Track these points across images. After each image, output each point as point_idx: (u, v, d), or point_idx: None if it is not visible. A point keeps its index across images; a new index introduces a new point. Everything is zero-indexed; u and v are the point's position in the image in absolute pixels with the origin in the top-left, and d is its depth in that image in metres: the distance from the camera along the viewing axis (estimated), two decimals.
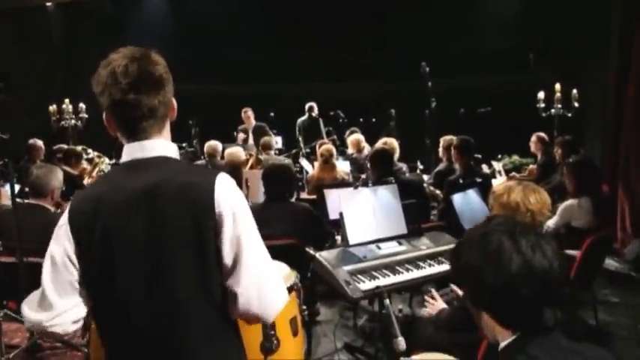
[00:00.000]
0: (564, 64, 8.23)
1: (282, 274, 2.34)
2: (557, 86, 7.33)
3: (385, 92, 10.14)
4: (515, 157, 8.44)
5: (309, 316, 4.14)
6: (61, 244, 1.46)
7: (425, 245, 3.39)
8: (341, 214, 3.27)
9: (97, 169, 6.33)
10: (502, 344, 1.33)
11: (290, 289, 2.27)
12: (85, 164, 6.31)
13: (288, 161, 6.50)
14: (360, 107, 9.45)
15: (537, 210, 2.41)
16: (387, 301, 2.13)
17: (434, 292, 2.80)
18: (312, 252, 3.17)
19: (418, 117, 7.71)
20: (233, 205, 1.43)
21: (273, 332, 2.05)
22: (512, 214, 2.40)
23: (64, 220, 1.47)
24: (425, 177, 6.04)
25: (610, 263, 5.39)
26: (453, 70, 9.43)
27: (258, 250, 1.48)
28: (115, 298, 1.43)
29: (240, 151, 5.28)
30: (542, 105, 7.44)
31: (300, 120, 8.74)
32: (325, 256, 3.11)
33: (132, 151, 1.48)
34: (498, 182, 5.40)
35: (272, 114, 9.05)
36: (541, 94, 7.44)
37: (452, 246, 3.35)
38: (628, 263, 5.42)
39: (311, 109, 8.72)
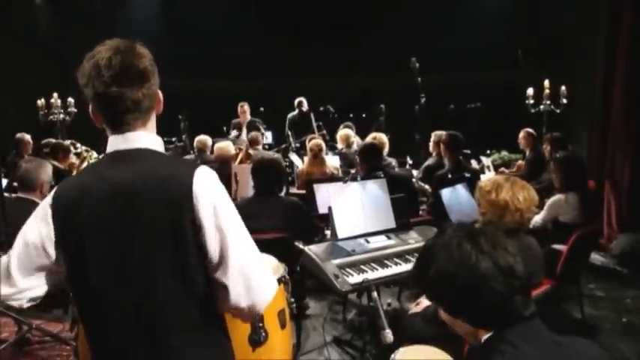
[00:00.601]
0: (553, 61, 8.29)
1: (271, 266, 2.35)
2: (546, 83, 7.37)
3: (375, 88, 10.16)
4: (505, 153, 8.52)
5: (299, 310, 4.18)
6: (37, 227, 1.47)
7: (413, 239, 3.41)
8: (330, 208, 3.28)
9: (85, 163, 6.28)
10: (483, 338, 1.35)
11: (278, 282, 2.26)
12: (73, 158, 6.27)
13: (277, 156, 6.50)
14: (350, 103, 9.47)
15: (526, 208, 2.43)
16: (375, 294, 2.15)
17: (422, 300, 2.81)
18: (301, 246, 3.18)
19: (408, 112, 7.73)
20: (213, 198, 1.42)
21: (261, 324, 2.05)
22: (501, 213, 2.42)
23: (45, 205, 1.48)
24: (414, 172, 6.07)
25: (596, 258, 5.45)
26: (443, 66, 9.47)
27: (244, 242, 1.47)
28: (92, 289, 1.43)
29: (229, 145, 5.27)
30: (531, 101, 7.48)
31: (290, 115, 8.73)
32: (314, 249, 3.12)
33: (115, 143, 1.49)
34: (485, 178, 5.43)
35: (262, 109, 9.02)
36: (530, 91, 7.48)
37: None
38: (614, 258, 5.48)
39: (300, 104, 8.69)
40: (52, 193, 1.51)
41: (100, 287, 1.42)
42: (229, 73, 10.70)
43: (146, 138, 1.50)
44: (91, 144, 7.03)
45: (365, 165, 4.53)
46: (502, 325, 1.32)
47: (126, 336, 1.44)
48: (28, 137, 6.89)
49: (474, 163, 6.22)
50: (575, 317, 4.16)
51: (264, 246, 3.56)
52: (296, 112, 8.70)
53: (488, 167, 6.12)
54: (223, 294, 1.44)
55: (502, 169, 6.99)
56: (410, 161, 6.66)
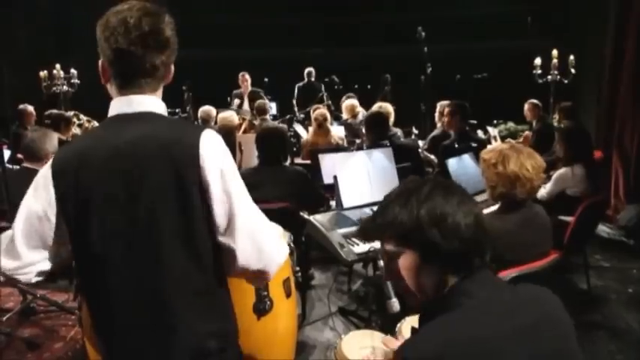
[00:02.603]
0: (561, 29, 8.13)
1: (277, 233, 2.32)
2: (555, 52, 7.24)
3: (381, 57, 10.03)
4: (511, 124, 8.41)
5: (304, 281, 4.19)
6: (40, 197, 1.43)
7: None
8: (335, 178, 3.25)
9: None
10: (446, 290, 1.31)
11: None
12: (77, 129, 6.24)
13: (283, 126, 6.45)
14: (355, 73, 9.37)
15: (535, 176, 2.38)
16: (381, 263, 2.11)
17: None
18: (306, 216, 3.16)
19: (414, 82, 7.64)
20: (220, 161, 1.39)
21: (266, 293, 2.04)
22: (511, 185, 2.37)
23: (46, 173, 1.44)
24: (420, 142, 6.01)
25: (603, 229, 5.43)
26: (449, 36, 9.32)
27: (251, 206, 1.45)
28: (95, 254, 1.40)
29: (233, 115, 5.22)
30: (539, 71, 7.36)
31: (298, 85, 8.72)
32: (319, 219, 3.10)
33: (119, 106, 1.45)
34: None
35: (266, 79, 8.95)
36: (537, 61, 7.35)
37: None
38: (620, 229, 5.45)
39: (310, 73, 8.76)
40: (52, 159, 1.47)
41: (103, 252, 1.39)
42: (233, 44, 10.57)
43: (151, 101, 1.46)
44: (94, 115, 7.00)
45: (371, 134, 4.48)
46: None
47: (128, 302, 1.41)
48: (30, 108, 6.85)
49: (480, 134, 6.15)
50: (581, 288, 4.15)
51: (268, 215, 3.56)
52: (305, 81, 8.71)
53: (495, 137, 6.05)
54: (232, 257, 1.41)
55: (509, 139, 6.92)
56: (415, 131, 6.59)
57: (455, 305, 1.22)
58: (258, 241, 1.42)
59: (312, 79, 8.63)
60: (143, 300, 1.41)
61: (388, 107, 5.54)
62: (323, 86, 8.21)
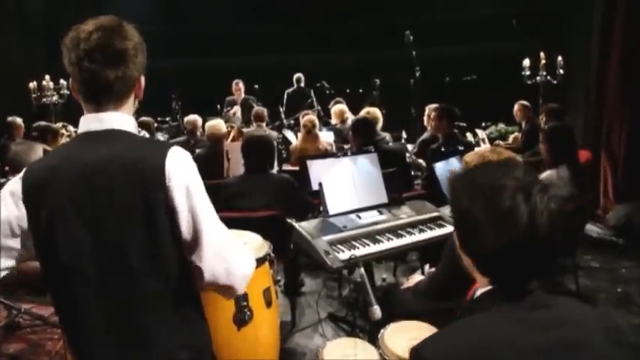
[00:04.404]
0: (548, 32, 8.17)
1: (255, 244, 2.32)
2: (542, 53, 7.27)
3: (370, 62, 10.06)
4: (502, 126, 8.44)
5: (293, 288, 4.17)
6: (9, 210, 1.42)
7: (405, 214, 3.38)
8: (320, 184, 3.24)
9: None
10: (478, 292, 1.25)
11: (263, 260, 2.25)
12: (65, 140, 6.21)
13: (274, 133, 6.45)
14: (346, 78, 9.37)
15: None
16: (362, 270, 2.12)
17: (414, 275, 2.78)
18: (293, 223, 3.15)
19: (404, 86, 7.66)
20: (185, 178, 1.40)
21: (245, 303, 2.03)
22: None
23: (16, 187, 1.43)
24: (410, 146, 6.02)
25: (592, 229, 5.44)
26: (438, 39, 9.36)
27: (217, 223, 1.46)
28: (63, 268, 1.41)
29: (220, 123, 5.20)
30: (528, 73, 7.38)
31: (287, 91, 8.73)
32: (304, 226, 3.09)
33: (87, 123, 1.46)
34: None
35: (256, 86, 8.95)
36: (526, 62, 7.37)
37: (433, 214, 3.40)
38: (610, 229, 5.46)
39: (299, 79, 8.78)
40: (22, 173, 1.46)
41: (72, 267, 1.40)
42: (223, 51, 10.58)
43: (118, 118, 1.46)
44: None
45: (357, 140, 4.48)
46: (501, 286, 1.20)
47: (98, 317, 1.42)
48: (19, 121, 6.81)
49: (469, 136, 6.16)
50: (570, 289, 4.15)
51: (255, 224, 3.57)
52: (294, 87, 8.71)
53: (483, 140, 6.07)
54: (199, 274, 1.43)
55: (497, 141, 6.94)
56: (404, 135, 6.60)
57: (482, 310, 1.19)
58: (225, 257, 1.43)
59: (302, 84, 8.64)
60: (112, 315, 1.42)
61: (376, 112, 5.54)
62: (312, 92, 8.21)
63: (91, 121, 1.45)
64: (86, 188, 1.38)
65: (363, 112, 5.60)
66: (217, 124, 5.16)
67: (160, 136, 6.93)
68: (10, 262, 1.45)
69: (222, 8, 10.59)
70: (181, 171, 1.40)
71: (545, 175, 3.82)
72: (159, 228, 1.38)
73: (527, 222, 1.12)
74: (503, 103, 7.38)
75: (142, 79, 1.51)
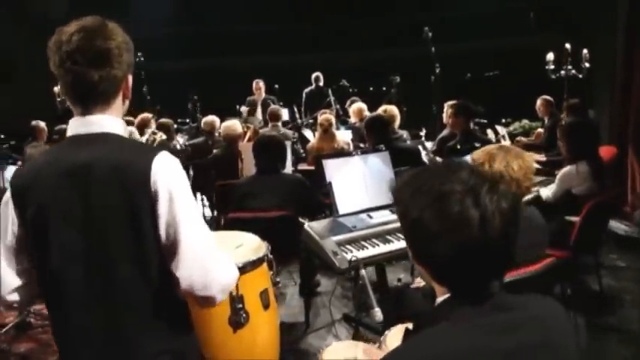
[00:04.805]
0: (572, 24, 7.95)
1: (252, 245, 2.29)
2: (567, 46, 7.05)
3: (392, 59, 9.97)
4: (526, 121, 8.27)
5: (308, 288, 4.14)
6: (6, 219, 1.45)
7: None
8: (329, 184, 3.20)
9: None
10: (437, 300, 1.19)
11: (260, 261, 2.22)
12: None
13: (289, 133, 6.42)
14: (366, 76, 9.31)
15: (522, 176, 2.29)
16: (363, 272, 2.08)
17: None
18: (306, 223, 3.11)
19: (425, 83, 7.56)
20: (170, 185, 1.39)
21: (241, 306, 2.00)
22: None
23: (7, 193, 1.46)
24: (429, 144, 5.93)
25: (619, 227, 5.25)
26: (458, 34, 9.21)
27: (198, 232, 1.43)
28: (53, 272, 1.42)
29: (236, 124, 5.20)
30: (552, 67, 7.17)
31: (306, 90, 8.70)
32: (314, 226, 3.05)
33: (75, 126, 1.46)
34: None
35: (276, 86, 8.95)
36: (550, 56, 7.14)
37: None
38: (638, 227, 5.27)
39: (317, 78, 8.73)
40: (11, 177, 1.49)
41: (60, 270, 1.40)
42: (243, 51, 10.63)
43: (106, 121, 1.45)
44: None
45: (371, 138, 4.42)
46: (459, 293, 1.15)
47: (84, 319, 1.42)
48: (42, 124, 6.97)
49: (490, 133, 6.03)
50: (593, 289, 4.02)
51: (266, 224, 3.53)
52: (312, 86, 8.68)
53: (503, 137, 5.93)
54: (175, 281, 1.41)
55: (519, 138, 6.79)
56: (422, 133, 6.50)
57: (442, 319, 1.14)
58: (204, 267, 1.41)
59: (320, 84, 8.60)
60: (98, 318, 1.42)
61: (393, 110, 5.46)
62: (330, 91, 8.16)
63: (78, 124, 1.45)
64: (71, 191, 1.38)
65: (380, 110, 5.53)
66: (232, 124, 5.16)
67: (180, 138, 6.96)
68: (17, 281, 1.48)
69: (243, 8, 10.62)
70: (167, 176, 1.39)
71: (564, 171, 3.72)
72: (144, 233, 1.37)
73: (479, 226, 1.07)
74: (527, 99, 7.21)
75: (130, 79, 1.50)
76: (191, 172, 5.52)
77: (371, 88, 8.89)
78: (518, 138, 6.69)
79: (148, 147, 1.58)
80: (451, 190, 1.10)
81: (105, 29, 1.42)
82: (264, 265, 2.23)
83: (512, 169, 2.26)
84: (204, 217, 6.05)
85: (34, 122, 6.95)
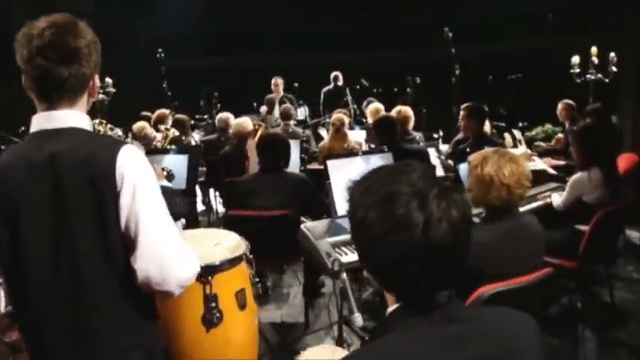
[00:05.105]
0: (597, 27, 7.72)
1: (230, 244, 2.26)
2: (594, 49, 6.84)
3: (413, 60, 9.85)
4: (548, 126, 8.07)
5: (311, 289, 4.09)
6: None
7: None
8: (328, 184, 3.16)
9: None
10: (388, 310, 1.14)
11: (239, 259, 2.18)
12: None
13: (300, 131, 6.39)
14: (387, 76, 9.21)
15: (514, 183, 2.20)
16: (344, 275, 2.02)
17: None
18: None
19: (446, 84, 7.44)
20: (134, 177, 1.39)
21: (214, 305, 1.98)
22: (486, 189, 2.21)
23: None
24: (444, 147, 5.83)
25: (637, 237, 5.07)
26: (481, 36, 9.07)
27: (159, 227, 1.42)
28: (19, 267, 1.42)
29: (247, 121, 5.17)
30: (577, 70, 6.96)
31: (324, 89, 8.66)
32: (310, 227, 3.03)
33: (40, 122, 1.46)
34: (519, 152, 5.11)
35: (296, 84, 8.92)
36: (576, 59, 6.94)
37: None
38: None
39: (336, 78, 8.68)
40: None
41: (27, 265, 1.41)
42: (263, 49, 10.65)
43: (71, 116, 1.46)
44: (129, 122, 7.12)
45: (378, 139, 4.36)
46: (406, 302, 1.10)
47: (51, 315, 1.43)
48: None
49: (507, 137, 5.89)
50: (605, 301, 3.88)
51: (267, 222, 3.50)
52: (331, 85, 8.63)
53: (520, 141, 5.78)
54: (133, 273, 1.41)
55: (538, 142, 6.61)
56: (435, 135, 6.39)
57: (391, 330, 1.10)
58: (161, 261, 1.40)
59: (339, 83, 8.54)
60: (65, 314, 1.42)
61: (407, 111, 5.36)
62: (348, 90, 8.10)
63: (43, 120, 1.45)
64: (38, 186, 1.39)
65: (394, 111, 5.44)
66: (243, 121, 5.15)
67: (196, 134, 6.99)
68: None
69: (263, 6, 10.65)
70: (132, 169, 1.40)
71: (575, 177, 3.57)
72: (110, 226, 1.38)
73: (423, 230, 1.01)
74: (551, 103, 7.02)
75: (97, 78, 1.52)
76: (204, 169, 5.53)
77: (395, 89, 8.78)
78: (537, 143, 6.51)
79: (114, 140, 1.58)
80: (398, 192, 1.05)
81: (76, 27, 1.43)
82: (243, 264, 2.19)
83: (504, 174, 2.18)
84: (217, 213, 6.10)
85: None
